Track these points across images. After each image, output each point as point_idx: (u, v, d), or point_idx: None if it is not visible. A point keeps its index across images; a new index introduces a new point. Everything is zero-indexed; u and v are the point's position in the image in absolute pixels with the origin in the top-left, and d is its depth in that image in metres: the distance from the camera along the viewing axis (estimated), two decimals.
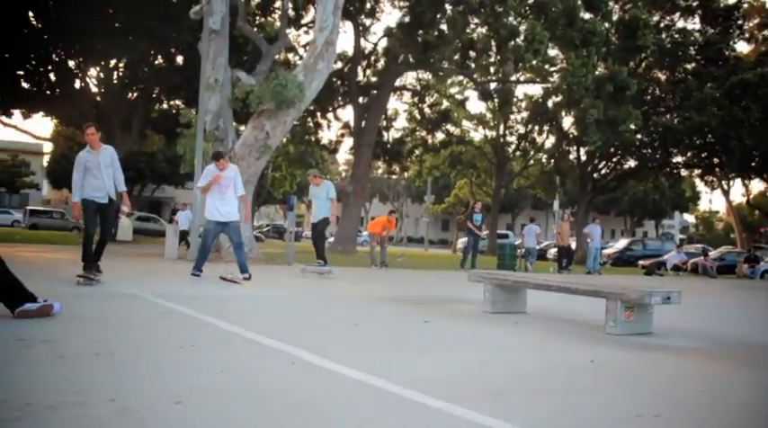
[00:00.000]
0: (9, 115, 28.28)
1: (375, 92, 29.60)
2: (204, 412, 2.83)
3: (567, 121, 35.22)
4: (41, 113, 29.85)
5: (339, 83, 29.46)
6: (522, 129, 40.66)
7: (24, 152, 51.57)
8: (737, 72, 29.80)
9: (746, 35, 34.05)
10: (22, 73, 25.81)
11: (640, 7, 30.41)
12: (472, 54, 26.00)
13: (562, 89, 27.75)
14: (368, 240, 18.01)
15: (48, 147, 47.23)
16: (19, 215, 44.72)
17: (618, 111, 25.77)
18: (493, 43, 25.43)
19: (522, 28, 24.09)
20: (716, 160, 34.57)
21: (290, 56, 27.82)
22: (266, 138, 15.64)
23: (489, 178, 46.12)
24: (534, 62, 24.63)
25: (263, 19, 25.91)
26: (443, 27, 25.20)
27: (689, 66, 32.99)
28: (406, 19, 26.20)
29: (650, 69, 33.88)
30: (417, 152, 38.22)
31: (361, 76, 30.66)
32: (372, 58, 31.05)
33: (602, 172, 37.43)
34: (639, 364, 4.61)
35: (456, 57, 25.94)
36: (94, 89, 28.81)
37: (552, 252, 29.42)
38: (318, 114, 31.02)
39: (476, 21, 25.39)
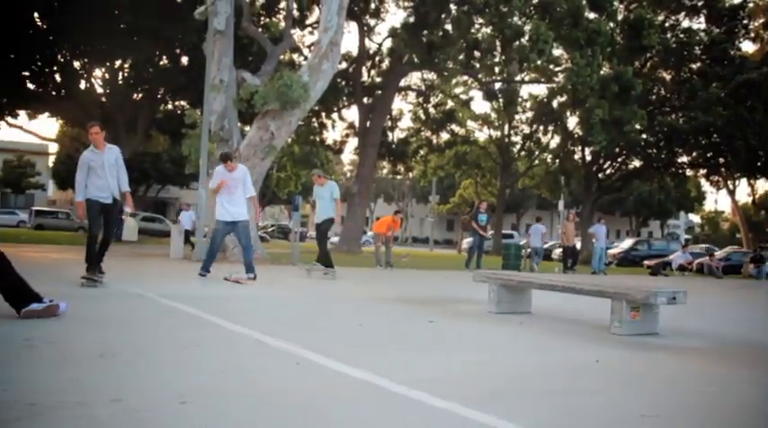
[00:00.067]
0: (15, 116, 28.41)
1: (380, 92, 29.60)
2: (205, 412, 2.84)
3: (572, 121, 35.22)
4: (47, 114, 30.00)
5: (344, 83, 29.46)
6: (526, 129, 40.68)
7: (30, 153, 51.73)
8: (743, 72, 29.67)
9: (752, 35, 33.87)
10: (27, 74, 25.91)
11: (645, 7, 30.32)
12: (477, 54, 26.03)
13: (567, 89, 27.73)
14: (370, 240, 18.03)
15: (53, 147, 47.36)
16: (24, 215, 44.79)
17: (623, 111, 25.70)
18: (497, 43, 25.45)
19: (527, 28, 24.10)
20: (721, 160, 34.41)
21: (295, 56, 27.84)
22: (271, 138, 15.68)
23: (494, 178, 46.09)
24: (539, 62, 24.63)
25: (267, 19, 25.96)
26: (448, 27, 25.22)
27: (694, 66, 32.86)
28: (411, 19, 26.21)
29: (655, 69, 33.76)
30: (422, 152, 38.17)
31: (365, 77, 30.64)
32: (377, 59, 31.06)
33: (608, 172, 37.33)
34: (640, 364, 4.61)
35: (461, 57, 25.95)
36: (100, 90, 28.91)
37: (557, 252, 29.40)
38: (323, 114, 31.02)
39: (480, 21, 25.39)
